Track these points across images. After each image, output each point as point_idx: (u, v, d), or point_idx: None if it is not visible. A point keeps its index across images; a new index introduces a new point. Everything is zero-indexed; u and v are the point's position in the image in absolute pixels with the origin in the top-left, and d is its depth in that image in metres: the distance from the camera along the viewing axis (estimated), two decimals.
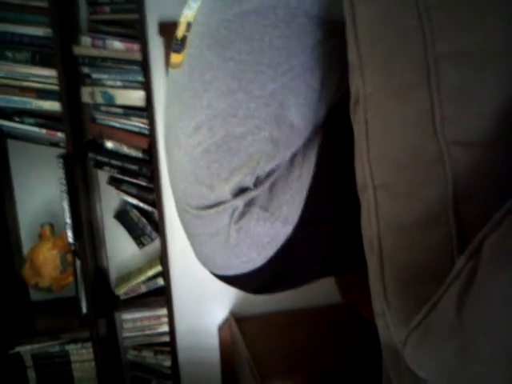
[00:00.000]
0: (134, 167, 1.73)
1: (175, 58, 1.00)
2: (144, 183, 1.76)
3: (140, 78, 1.64)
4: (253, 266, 0.97)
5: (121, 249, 2.00)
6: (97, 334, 1.74)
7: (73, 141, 1.60)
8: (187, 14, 0.99)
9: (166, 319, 1.92)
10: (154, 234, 1.89)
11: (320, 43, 0.88)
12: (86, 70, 1.64)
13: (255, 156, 0.90)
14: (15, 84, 1.60)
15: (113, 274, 2.02)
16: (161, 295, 1.88)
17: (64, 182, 1.62)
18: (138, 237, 1.91)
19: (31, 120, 1.65)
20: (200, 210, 0.96)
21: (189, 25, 0.96)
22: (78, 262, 1.71)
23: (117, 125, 1.71)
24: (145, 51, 1.64)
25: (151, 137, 1.71)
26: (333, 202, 0.95)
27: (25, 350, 1.81)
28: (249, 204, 0.93)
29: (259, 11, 0.85)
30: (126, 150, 1.73)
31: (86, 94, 1.65)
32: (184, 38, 0.97)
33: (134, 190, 1.79)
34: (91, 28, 1.68)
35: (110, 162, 1.73)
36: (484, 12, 0.59)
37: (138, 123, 1.70)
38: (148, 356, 1.95)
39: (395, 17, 0.66)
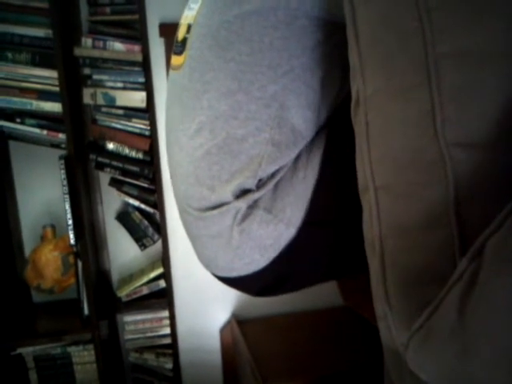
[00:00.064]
0: (135, 168, 1.73)
1: (176, 59, 1.00)
2: (145, 185, 1.76)
3: (141, 79, 1.64)
4: (255, 268, 0.96)
5: (122, 250, 2.00)
6: (98, 336, 1.74)
7: (74, 142, 1.60)
8: (187, 16, 0.99)
9: (167, 321, 1.92)
10: (156, 236, 1.89)
11: (320, 44, 0.88)
12: (86, 71, 1.64)
13: (256, 158, 0.90)
14: (15, 85, 1.60)
15: (114, 276, 2.02)
16: (163, 297, 1.88)
17: (65, 183, 1.62)
18: (139, 238, 1.91)
19: (32, 121, 1.65)
20: (201, 212, 0.96)
21: (189, 26, 0.96)
22: (80, 264, 1.71)
23: (118, 126, 1.71)
24: (145, 52, 1.64)
25: (152, 138, 1.71)
26: (337, 203, 0.95)
27: (26, 351, 1.81)
28: (252, 206, 0.93)
29: (259, 12, 0.85)
30: (127, 151, 1.73)
31: (87, 95, 1.65)
32: (184, 40, 0.97)
33: (135, 192, 1.79)
34: (92, 29, 1.68)
35: (112, 164, 1.72)
36: (484, 12, 0.59)
37: (139, 124, 1.70)
38: (150, 358, 1.95)
39: (395, 18, 0.66)
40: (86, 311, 1.75)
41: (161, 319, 1.92)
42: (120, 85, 1.65)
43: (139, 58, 1.63)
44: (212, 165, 0.92)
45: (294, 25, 0.85)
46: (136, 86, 1.65)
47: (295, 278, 1.01)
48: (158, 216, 1.83)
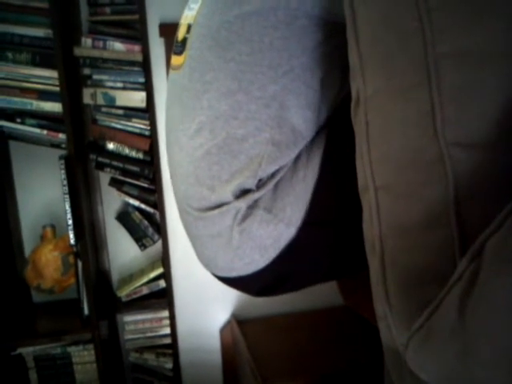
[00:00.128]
0: (135, 168, 1.73)
1: (176, 60, 1.00)
2: (145, 185, 1.76)
3: (141, 79, 1.64)
4: (255, 268, 0.96)
5: (122, 250, 2.00)
6: (98, 336, 1.74)
7: (74, 142, 1.60)
8: (187, 16, 0.99)
9: (167, 321, 1.92)
10: (156, 236, 1.89)
11: (320, 44, 0.88)
12: (86, 71, 1.64)
13: (256, 158, 0.90)
14: (16, 85, 1.60)
15: (114, 276, 2.02)
16: (162, 297, 1.88)
17: (65, 183, 1.62)
18: (139, 238, 1.91)
19: (32, 121, 1.65)
20: (201, 212, 0.96)
21: (189, 27, 0.96)
22: (80, 264, 1.71)
23: (118, 126, 1.71)
24: (145, 52, 1.64)
25: (152, 138, 1.71)
26: (337, 203, 0.95)
27: (27, 351, 1.81)
28: (252, 206, 0.93)
29: (260, 13, 0.85)
30: (127, 151, 1.73)
31: (87, 95, 1.65)
32: (184, 40, 0.97)
33: (135, 192, 1.79)
34: (92, 29, 1.68)
35: (112, 164, 1.72)
36: (484, 12, 0.59)
37: (139, 124, 1.70)
38: (150, 358, 1.95)
39: (396, 18, 0.66)
40: (86, 311, 1.75)
41: (161, 319, 1.92)
42: (120, 85, 1.65)
43: (139, 58, 1.63)
44: (212, 165, 0.92)
45: (294, 25, 0.85)
46: (136, 85, 1.65)
47: (295, 277, 1.01)
48: (158, 216, 1.83)
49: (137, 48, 1.63)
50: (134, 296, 1.90)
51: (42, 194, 1.90)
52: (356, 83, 0.75)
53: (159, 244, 1.90)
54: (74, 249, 1.71)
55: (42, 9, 1.54)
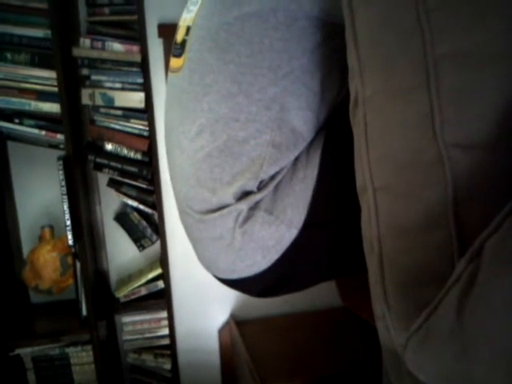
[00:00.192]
0: (133, 169, 1.72)
1: (175, 62, 1.00)
2: (144, 185, 1.76)
3: (139, 80, 1.64)
4: (257, 270, 0.96)
5: (121, 251, 2.00)
6: (97, 337, 1.74)
7: (72, 143, 1.60)
8: (186, 18, 0.99)
9: (166, 322, 1.92)
10: (154, 237, 1.89)
11: (320, 46, 0.88)
12: (85, 71, 1.64)
13: (258, 160, 0.90)
14: (14, 85, 1.60)
15: (113, 277, 2.02)
16: (161, 298, 1.88)
17: (64, 183, 1.62)
18: (138, 239, 1.91)
19: (31, 122, 1.65)
20: (203, 214, 0.96)
21: (188, 29, 0.96)
22: (78, 265, 1.71)
23: (116, 127, 1.71)
24: (144, 53, 1.63)
25: (151, 139, 1.70)
26: (337, 204, 0.95)
27: (25, 352, 1.81)
28: (253, 207, 0.93)
29: (259, 14, 0.85)
30: (125, 151, 1.72)
31: (86, 96, 1.65)
32: (184, 42, 0.97)
33: (133, 192, 1.79)
34: (90, 29, 1.68)
35: (110, 164, 1.72)
36: (484, 13, 0.59)
37: (137, 125, 1.70)
38: (148, 359, 1.95)
39: (395, 19, 0.66)
40: (85, 312, 1.75)
41: (159, 320, 1.92)
42: (118, 85, 1.65)
43: (138, 58, 1.62)
44: (213, 167, 0.92)
45: (294, 26, 0.85)
46: (134, 86, 1.65)
47: (296, 279, 1.01)
48: (156, 217, 1.83)
49: (135, 48, 1.63)
50: (133, 297, 1.90)
51: (40, 194, 1.89)
52: (354, 84, 0.75)
53: (158, 245, 1.89)
54: (73, 249, 1.71)
55: (41, 9, 1.54)
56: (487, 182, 0.61)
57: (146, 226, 1.88)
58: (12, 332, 1.75)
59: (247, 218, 0.92)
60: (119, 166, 1.72)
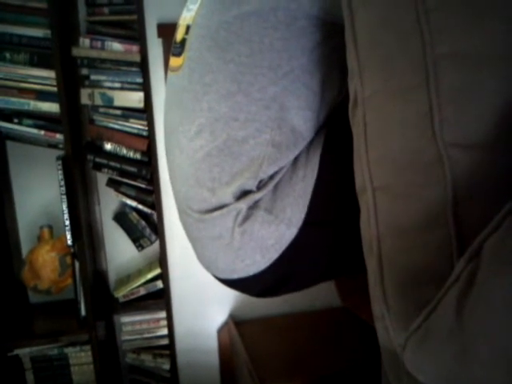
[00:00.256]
0: (132, 169, 1.72)
1: (174, 61, 1.00)
2: (143, 185, 1.76)
3: (139, 80, 1.64)
4: (257, 269, 0.96)
5: (120, 251, 2.00)
6: (95, 337, 1.73)
7: (71, 142, 1.60)
8: (186, 17, 0.99)
9: (165, 322, 1.91)
10: (153, 237, 1.89)
11: (319, 45, 0.88)
12: (84, 71, 1.64)
13: (257, 160, 0.90)
14: (14, 85, 1.60)
15: (112, 277, 2.02)
16: (160, 298, 1.88)
17: (63, 183, 1.61)
18: (137, 239, 1.91)
19: (30, 121, 1.65)
20: (202, 214, 0.96)
21: (188, 27, 0.96)
22: (77, 265, 1.71)
23: (115, 126, 1.70)
24: (143, 52, 1.63)
25: (150, 138, 1.70)
26: (337, 203, 0.95)
27: (23, 352, 1.81)
28: (253, 207, 0.93)
29: (259, 13, 0.85)
30: (124, 151, 1.72)
31: (85, 96, 1.65)
32: (183, 41, 0.97)
33: (133, 192, 1.78)
34: (90, 29, 1.68)
35: (109, 164, 1.72)
36: (483, 14, 0.59)
37: (136, 125, 1.70)
38: (147, 359, 1.95)
39: (394, 20, 0.66)
40: (83, 312, 1.75)
41: (158, 320, 1.92)
42: (118, 85, 1.65)
43: (137, 58, 1.62)
44: (212, 167, 0.92)
45: (294, 25, 0.85)
46: (134, 86, 1.65)
47: (295, 278, 1.01)
48: (155, 217, 1.83)
49: (135, 48, 1.63)
50: (132, 297, 1.90)
51: (39, 194, 1.89)
52: (354, 85, 0.75)
53: (156, 245, 1.89)
54: (71, 249, 1.71)
55: (41, 9, 1.54)
56: (486, 182, 0.61)
57: (145, 226, 1.88)
58: (11, 332, 1.75)
59: (246, 218, 0.92)
60: (118, 165, 1.72)
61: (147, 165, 1.73)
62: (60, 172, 1.61)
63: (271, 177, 0.92)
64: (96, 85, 1.65)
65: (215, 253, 0.98)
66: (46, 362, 1.84)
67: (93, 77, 1.64)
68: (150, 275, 1.89)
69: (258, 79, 0.87)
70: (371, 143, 0.73)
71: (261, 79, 0.87)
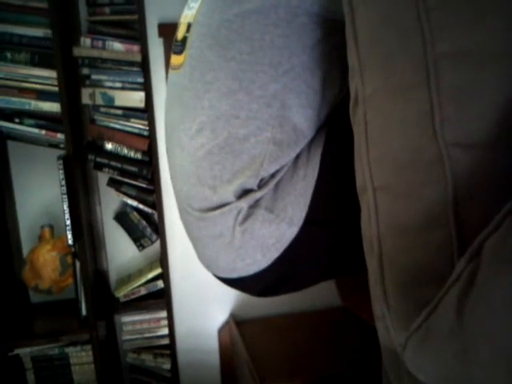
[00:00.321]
0: (133, 169, 1.72)
1: (175, 59, 1.00)
2: (144, 185, 1.76)
3: (140, 79, 1.64)
4: (257, 269, 0.96)
5: (121, 251, 2.00)
6: (96, 337, 1.73)
7: (72, 142, 1.60)
8: (187, 15, 0.99)
9: (165, 322, 1.91)
10: (154, 236, 1.89)
11: (320, 42, 0.88)
12: (85, 71, 1.64)
13: (258, 158, 0.90)
14: (14, 85, 1.60)
15: (113, 276, 2.02)
16: (161, 298, 1.88)
17: (64, 183, 1.62)
18: (137, 239, 1.90)
19: (31, 121, 1.65)
20: (203, 212, 0.95)
21: (189, 25, 0.96)
22: (78, 264, 1.71)
23: (116, 126, 1.70)
24: (144, 52, 1.63)
25: (151, 138, 1.70)
26: (338, 202, 0.95)
27: (24, 352, 1.81)
28: (253, 206, 0.93)
29: (260, 11, 0.85)
30: (125, 151, 1.72)
31: (86, 95, 1.65)
32: (184, 39, 0.97)
33: (133, 192, 1.78)
34: (91, 29, 1.68)
35: (110, 164, 1.72)
36: (484, 12, 0.59)
37: (137, 124, 1.70)
38: (147, 359, 1.95)
39: (395, 17, 0.66)
40: (84, 312, 1.75)
41: (159, 320, 1.92)
42: (119, 85, 1.65)
43: (138, 58, 1.62)
44: (214, 165, 0.92)
45: (295, 23, 0.85)
46: (135, 86, 1.65)
47: (296, 278, 1.01)
48: (156, 216, 1.83)
49: (136, 48, 1.63)
50: (132, 296, 1.89)
51: (40, 194, 1.89)
52: (355, 83, 0.75)
53: (157, 244, 1.89)
54: (72, 249, 1.71)
55: (42, 9, 1.54)
56: (487, 182, 0.61)
57: (146, 226, 1.88)
58: (11, 332, 1.75)
59: (247, 216, 0.92)
60: (119, 165, 1.72)
61: (148, 164, 1.73)
62: (61, 172, 1.61)
63: (272, 175, 0.92)
64: (97, 84, 1.65)
65: (216, 252, 0.98)
66: (46, 362, 1.84)
67: (94, 76, 1.64)
68: (150, 275, 1.89)
69: (259, 77, 0.87)
70: (372, 142, 0.72)
71: (262, 77, 0.87)
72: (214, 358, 2.11)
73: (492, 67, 0.59)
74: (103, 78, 1.64)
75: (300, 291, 1.08)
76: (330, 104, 0.95)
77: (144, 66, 1.64)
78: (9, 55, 1.57)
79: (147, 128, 1.70)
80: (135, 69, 1.63)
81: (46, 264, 1.76)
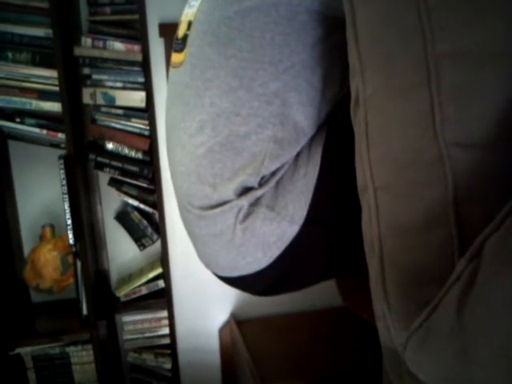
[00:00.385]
0: (134, 168, 1.73)
1: (176, 57, 1.00)
2: (145, 184, 1.76)
3: (140, 79, 1.64)
4: (258, 267, 0.96)
5: (121, 250, 2.00)
6: (97, 336, 1.74)
7: (73, 142, 1.60)
8: (188, 13, 0.99)
9: (166, 321, 1.92)
10: (155, 236, 1.89)
11: (320, 40, 0.88)
12: (86, 70, 1.64)
13: (259, 156, 0.90)
14: (15, 85, 1.60)
15: (113, 276, 2.02)
16: (161, 297, 1.88)
17: (64, 183, 1.62)
18: (138, 238, 1.91)
19: (32, 121, 1.65)
20: (203, 210, 0.95)
21: (190, 23, 0.96)
22: (79, 264, 1.71)
23: (117, 126, 1.71)
24: (145, 52, 1.64)
25: (152, 138, 1.71)
26: (338, 201, 0.95)
27: (25, 351, 1.81)
28: (254, 204, 0.92)
29: (260, 8, 0.85)
30: (126, 151, 1.73)
31: (87, 95, 1.65)
32: (185, 37, 0.97)
33: (134, 192, 1.79)
34: (92, 29, 1.68)
35: (111, 164, 1.72)
36: (484, 12, 0.59)
37: (138, 124, 1.70)
38: (148, 358, 1.95)
39: (396, 18, 0.66)
40: (85, 311, 1.75)
41: (160, 319, 1.92)
42: (120, 84, 1.65)
43: (139, 57, 1.63)
44: (214, 163, 0.92)
45: (295, 20, 0.85)
46: (136, 85, 1.65)
47: (297, 276, 1.01)
48: (157, 216, 1.83)
49: (136, 48, 1.63)
50: (133, 296, 1.90)
51: (41, 193, 1.89)
52: (355, 83, 0.75)
53: (158, 244, 1.90)
54: (73, 249, 1.71)
55: (42, 8, 1.55)
56: (488, 181, 0.61)
57: (147, 226, 1.88)
58: (12, 331, 1.76)
59: (248, 214, 0.92)
60: (120, 165, 1.72)
61: (149, 164, 1.73)
62: (62, 171, 1.61)
63: (273, 173, 0.92)
64: (98, 84, 1.65)
65: (216, 250, 0.98)
66: (47, 361, 1.84)
67: (95, 76, 1.64)
68: (151, 274, 1.89)
69: (260, 74, 0.87)
70: (372, 142, 0.73)
71: (262, 74, 0.87)
72: (215, 357, 2.11)
73: (492, 67, 0.59)
74: (104, 77, 1.64)
75: (300, 291, 1.08)
76: (330, 102, 0.95)
77: (145, 66, 1.64)
78: (10, 55, 1.57)
79: (148, 128, 1.70)
80: (136, 68, 1.64)
81: (47, 263, 1.76)
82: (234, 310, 2.08)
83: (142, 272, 1.94)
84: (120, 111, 1.68)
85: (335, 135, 0.95)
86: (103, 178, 1.89)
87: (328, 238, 0.96)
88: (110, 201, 1.93)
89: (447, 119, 0.61)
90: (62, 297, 1.92)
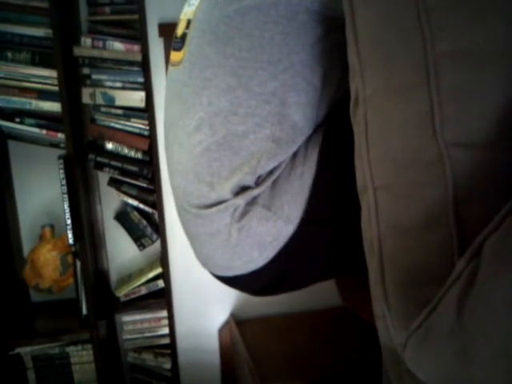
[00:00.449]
0: (134, 168, 1.72)
1: (175, 55, 1.00)
2: (144, 184, 1.76)
3: (140, 79, 1.64)
4: (254, 267, 0.96)
5: (121, 250, 2.00)
6: (97, 336, 1.74)
7: (73, 142, 1.60)
8: (187, 12, 0.99)
9: (166, 321, 1.92)
10: (155, 236, 1.89)
11: (320, 40, 0.88)
12: (86, 70, 1.64)
13: (256, 155, 0.90)
14: (15, 84, 1.60)
15: (113, 276, 2.02)
16: (161, 297, 1.88)
17: (64, 182, 1.62)
18: (138, 238, 1.91)
19: (31, 121, 1.65)
20: (200, 209, 0.95)
21: (189, 22, 0.96)
22: (79, 264, 1.71)
23: (117, 126, 1.71)
24: (145, 52, 1.64)
25: (151, 138, 1.71)
26: (336, 201, 0.95)
27: (25, 351, 1.81)
28: (250, 203, 0.92)
29: (260, 7, 0.85)
30: (126, 151, 1.72)
31: (86, 95, 1.65)
32: (184, 36, 0.97)
33: (134, 192, 1.79)
34: (91, 29, 1.68)
35: (110, 163, 1.72)
36: (484, 12, 0.59)
37: (138, 124, 1.70)
38: (148, 358, 1.95)
39: (395, 18, 0.66)
40: (85, 311, 1.75)
41: (159, 319, 1.92)
42: (119, 84, 1.65)
43: (138, 57, 1.63)
44: (212, 161, 0.92)
45: (295, 20, 0.85)
46: (135, 85, 1.65)
47: (294, 276, 1.01)
48: (156, 216, 1.83)
49: (136, 48, 1.63)
50: (133, 296, 1.89)
51: (40, 193, 1.89)
52: (355, 83, 0.75)
53: (158, 244, 1.89)
54: (73, 248, 1.71)
55: (42, 8, 1.55)
56: (487, 181, 0.61)
57: (147, 225, 1.88)
58: (12, 331, 1.76)
59: (244, 214, 0.92)
60: (120, 165, 1.72)
61: (148, 164, 1.73)
62: (61, 171, 1.61)
63: (270, 173, 0.92)
64: (97, 84, 1.65)
65: (213, 249, 0.98)
66: (47, 361, 1.84)
67: (94, 76, 1.64)
68: (151, 274, 1.89)
69: (258, 74, 0.87)
70: (372, 142, 0.73)
71: (261, 73, 0.87)
72: (215, 357, 2.11)
73: (492, 67, 0.59)
74: (104, 77, 1.64)
75: (300, 291, 1.07)
76: (329, 102, 0.95)
77: (144, 66, 1.64)
78: (9, 55, 1.57)
79: (148, 128, 1.70)
80: (136, 68, 1.64)
81: (47, 263, 1.76)
82: (234, 310, 2.08)
83: (141, 272, 1.94)
84: (119, 111, 1.68)
85: (332, 135, 0.95)
86: (103, 177, 1.89)
87: (326, 237, 0.96)
88: (110, 201, 1.93)
89: (447, 119, 0.61)
90: (61, 297, 1.91)
